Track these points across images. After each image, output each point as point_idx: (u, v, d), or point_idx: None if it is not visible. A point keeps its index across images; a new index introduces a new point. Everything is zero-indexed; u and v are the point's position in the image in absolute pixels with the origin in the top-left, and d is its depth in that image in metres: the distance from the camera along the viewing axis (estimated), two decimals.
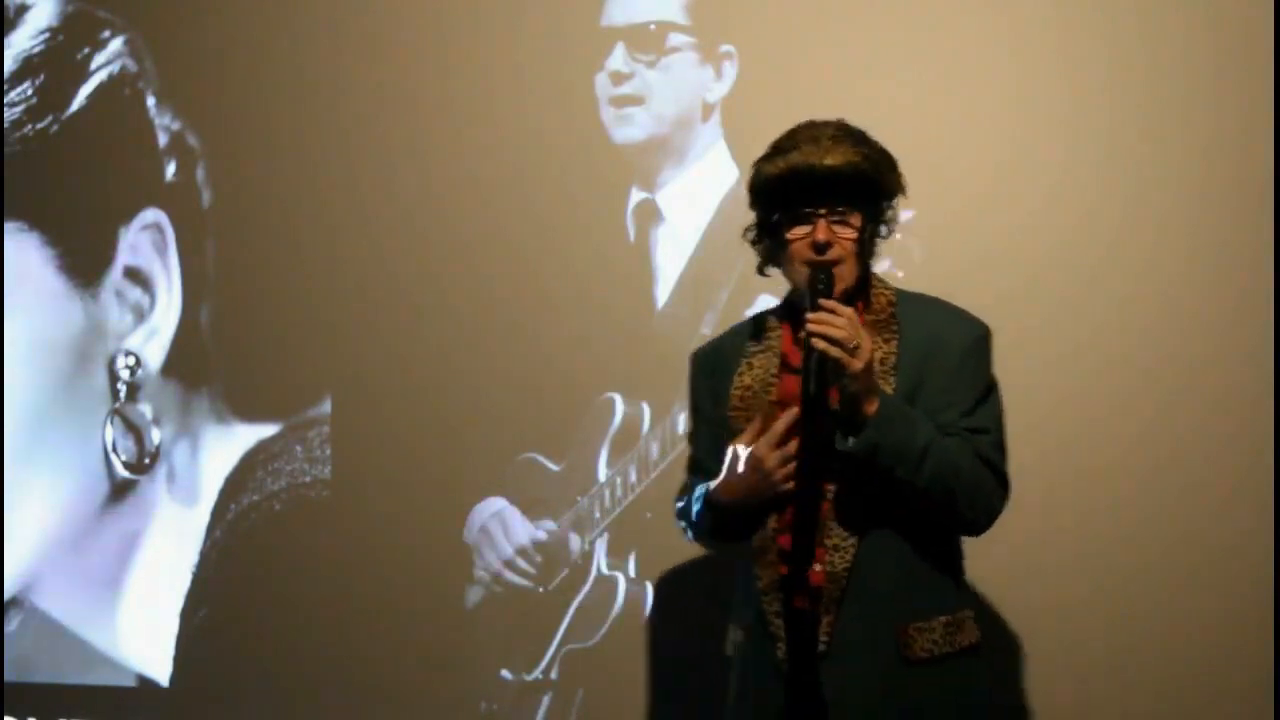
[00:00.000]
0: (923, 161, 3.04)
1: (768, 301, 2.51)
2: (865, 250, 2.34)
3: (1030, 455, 2.95)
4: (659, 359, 3.19)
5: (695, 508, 2.44)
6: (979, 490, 2.29)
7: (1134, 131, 2.97)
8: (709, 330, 3.14)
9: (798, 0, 3.17)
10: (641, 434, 3.24)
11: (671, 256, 3.24)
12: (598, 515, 3.28)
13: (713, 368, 2.48)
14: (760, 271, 2.43)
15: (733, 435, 2.36)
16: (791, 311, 2.39)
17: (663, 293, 3.26)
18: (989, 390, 2.36)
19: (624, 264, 3.28)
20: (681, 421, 3.18)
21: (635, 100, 3.28)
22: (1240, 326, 2.91)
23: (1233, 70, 2.93)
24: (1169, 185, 2.96)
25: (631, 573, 3.25)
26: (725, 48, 3.22)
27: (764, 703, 2.32)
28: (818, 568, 2.27)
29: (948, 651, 2.28)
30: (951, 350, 2.33)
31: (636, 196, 3.29)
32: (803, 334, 2.21)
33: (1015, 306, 3.00)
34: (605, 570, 3.27)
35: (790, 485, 2.28)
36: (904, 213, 3.03)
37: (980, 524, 2.33)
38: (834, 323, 2.18)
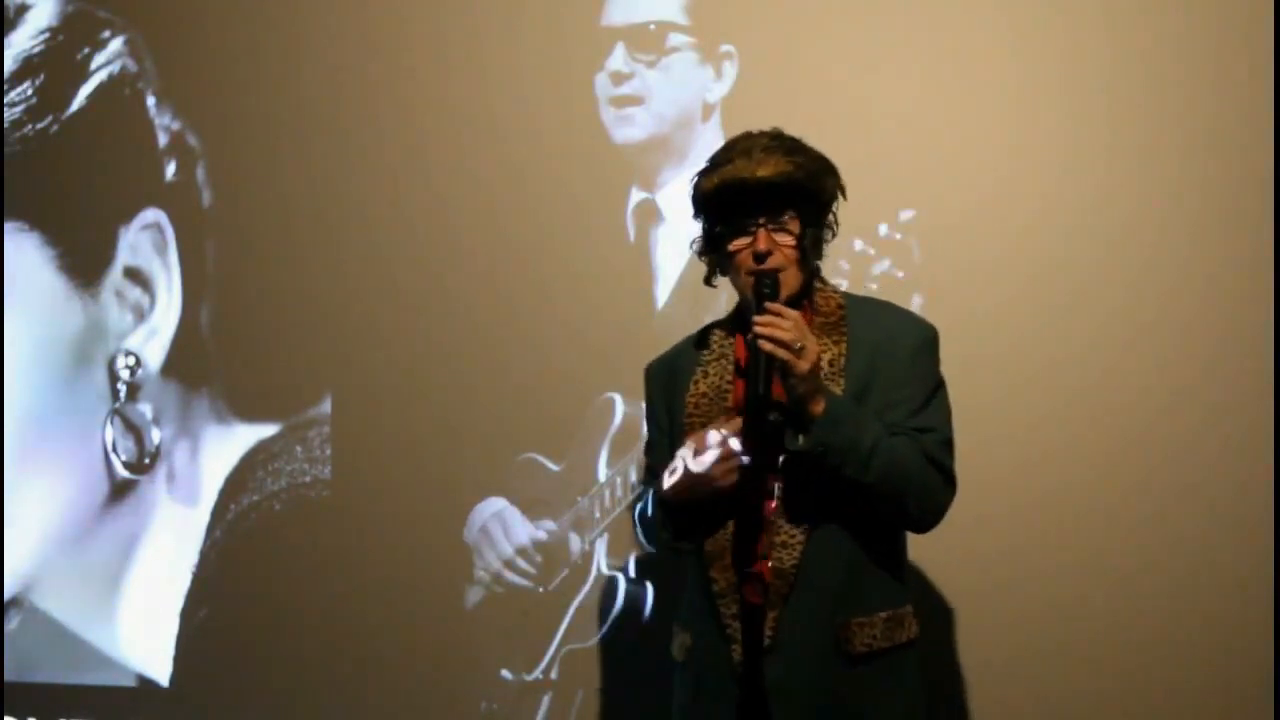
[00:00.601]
0: (923, 161, 3.06)
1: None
2: (807, 255, 2.37)
3: (1029, 454, 2.96)
4: None
5: (650, 510, 2.47)
6: (925, 488, 2.32)
7: (1134, 132, 2.98)
8: None
9: (798, 0, 3.18)
10: (641, 434, 3.23)
11: (671, 256, 3.24)
12: (598, 515, 3.28)
13: (666, 379, 2.53)
14: (707, 282, 2.48)
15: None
16: (741, 321, 2.43)
17: (663, 293, 3.26)
18: (937, 388, 2.40)
19: (624, 264, 3.28)
20: None
21: (635, 100, 3.28)
22: (1240, 327, 2.91)
23: (1233, 71, 2.93)
24: (1169, 185, 2.96)
25: (631, 573, 3.25)
26: (725, 48, 3.22)
27: (719, 701, 2.36)
28: (769, 564, 2.30)
29: (885, 646, 2.32)
30: (900, 351, 2.37)
31: (636, 196, 3.29)
32: (749, 337, 2.25)
33: (1015, 306, 3.01)
34: (605, 570, 3.27)
35: (729, 481, 2.29)
36: (903, 213, 3.05)
37: (927, 521, 2.37)
38: (779, 324, 2.23)
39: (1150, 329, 2.95)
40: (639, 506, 2.55)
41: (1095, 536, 2.96)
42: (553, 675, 3.30)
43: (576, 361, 3.28)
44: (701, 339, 2.52)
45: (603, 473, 3.27)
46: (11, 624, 3.69)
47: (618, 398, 3.26)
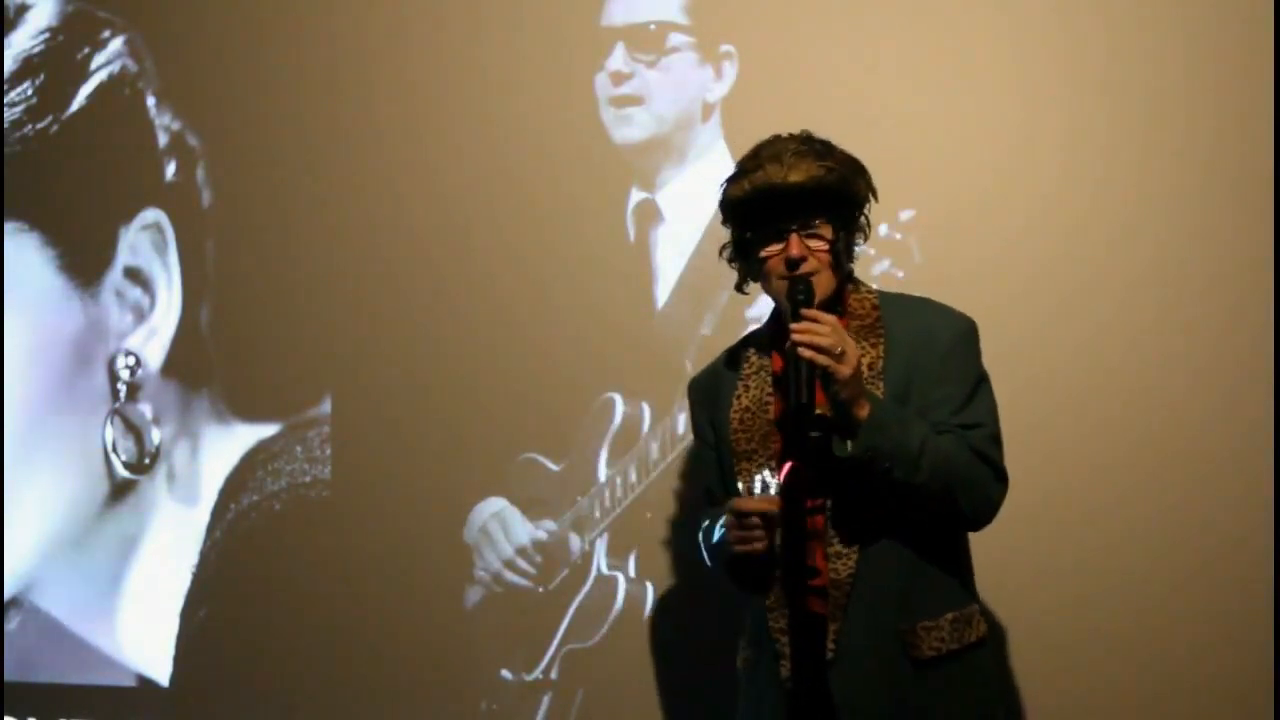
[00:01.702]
0: (923, 161, 3.06)
1: (767, 301, 2.51)
2: (840, 259, 2.35)
3: (1031, 455, 2.96)
4: (659, 359, 3.19)
5: (702, 547, 2.49)
6: (976, 484, 2.30)
7: (1134, 131, 2.97)
8: (709, 330, 3.14)
9: (798, 0, 3.17)
10: (641, 434, 3.24)
11: (671, 256, 3.24)
12: (598, 515, 3.28)
13: (709, 396, 2.51)
14: (739, 289, 2.46)
15: (736, 458, 2.39)
16: (777, 330, 2.41)
17: (663, 293, 3.26)
18: (979, 383, 2.37)
19: (624, 264, 3.28)
20: (682, 421, 3.18)
21: (635, 100, 3.28)
22: (1240, 327, 2.91)
23: (1233, 71, 2.93)
24: (1169, 184, 2.96)
25: (631, 573, 3.25)
26: (725, 48, 3.22)
27: (770, 718, 2.34)
28: (825, 576, 2.28)
29: (955, 648, 2.29)
30: (938, 347, 2.34)
31: (636, 196, 3.29)
32: (787, 345, 2.22)
33: (1015, 306, 3.00)
34: (605, 570, 3.27)
35: (751, 549, 2.27)
36: (903, 213, 3.05)
37: (981, 518, 2.35)
38: (818, 330, 2.20)
39: (1150, 329, 2.95)
40: (705, 525, 2.51)
41: (1095, 536, 2.95)
42: (553, 675, 3.30)
43: (576, 361, 3.28)
44: (744, 350, 2.49)
45: (603, 473, 3.27)
46: (11, 624, 3.69)
47: (618, 398, 3.26)
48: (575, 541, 3.30)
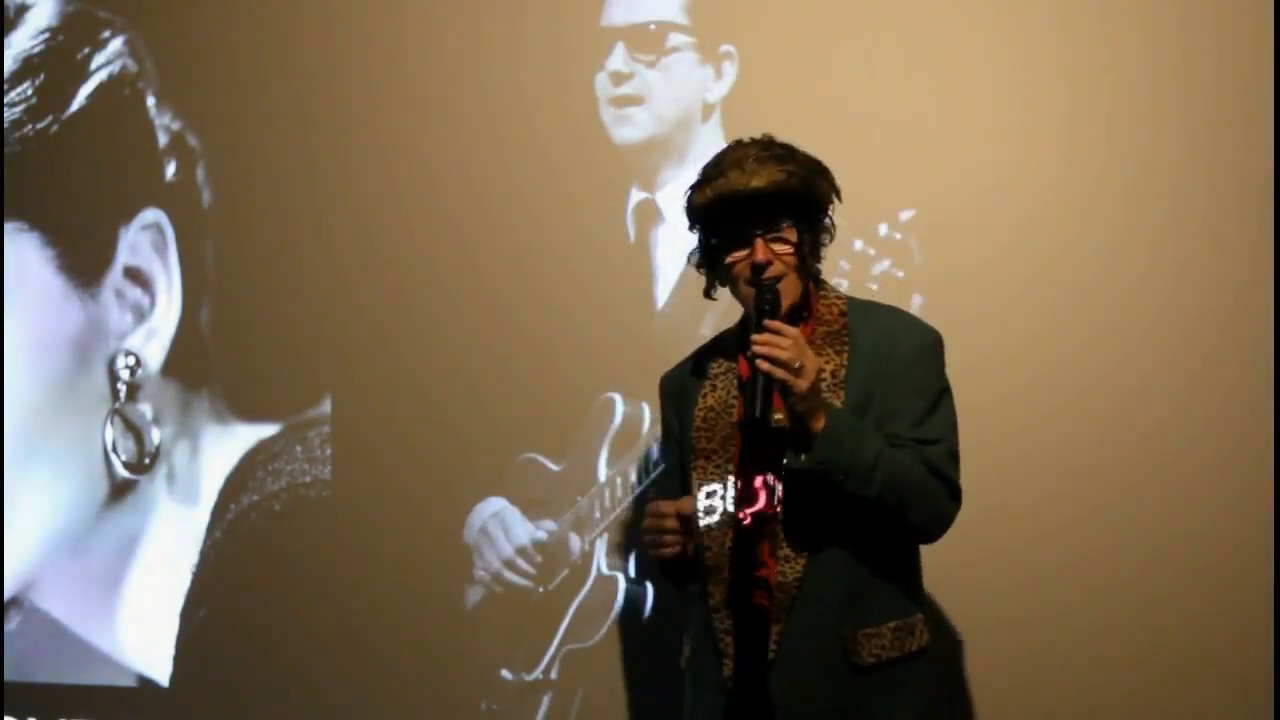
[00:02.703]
0: (923, 161, 3.06)
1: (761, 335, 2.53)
2: (806, 261, 2.37)
3: (1030, 455, 2.96)
4: (659, 359, 3.18)
5: None
6: (928, 500, 2.30)
7: (1134, 131, 2.98)
8: (709, 330, 3.14)
9: (798, 0, 3.17)
10: (641, 434, 3.24)
11: (671, 256, 3.24)
12: (598, 515, 3.28)
13: (677, 392, 2.54)
14: (707, 295, 2.48)
15: (694, 454, 2.42)
16: (746, 333, 2.41)
17: (663, 293, 3.26)
18: (940, 396, 2.37)
19: (624, 264, 3.28)
20: None
21: (635, 100, 3.28)
22: (1241, 327, 2.91)
23: (1233, 71, 2.93)
24: (1169, 185, 2.96)
25: (631, 573, 3.25)
26: (725, 48, 3.22)
27: (711, 716, 2.36)
28: (774, 577, 2.30)
29: (895, 655, 2.31)
30: (900, 358, 2.35)
31: (636, 196, 3.29)
32: (747, 355, 2.24)
33: (1015, 306, 3.01)
34: (605, 570, 3.27)
35: (663, 553, 2.36)
36: (903, 213, 3.05)
37: (932, 533, 2.36)
38: (778, 343, 2.21)
39: (1150, 329, 2.95)
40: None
41: (1096, 537, 2.95)
42: (553, 675, 3.30)
43: (576, 361, 3.28)
44: (715, 349, 2.52)
45: (603, 473, 3.27)
46: (11, 624, 3.69)
47: (618, 398, 3.26)
48: (575, 541, 3.30)
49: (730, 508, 2.36)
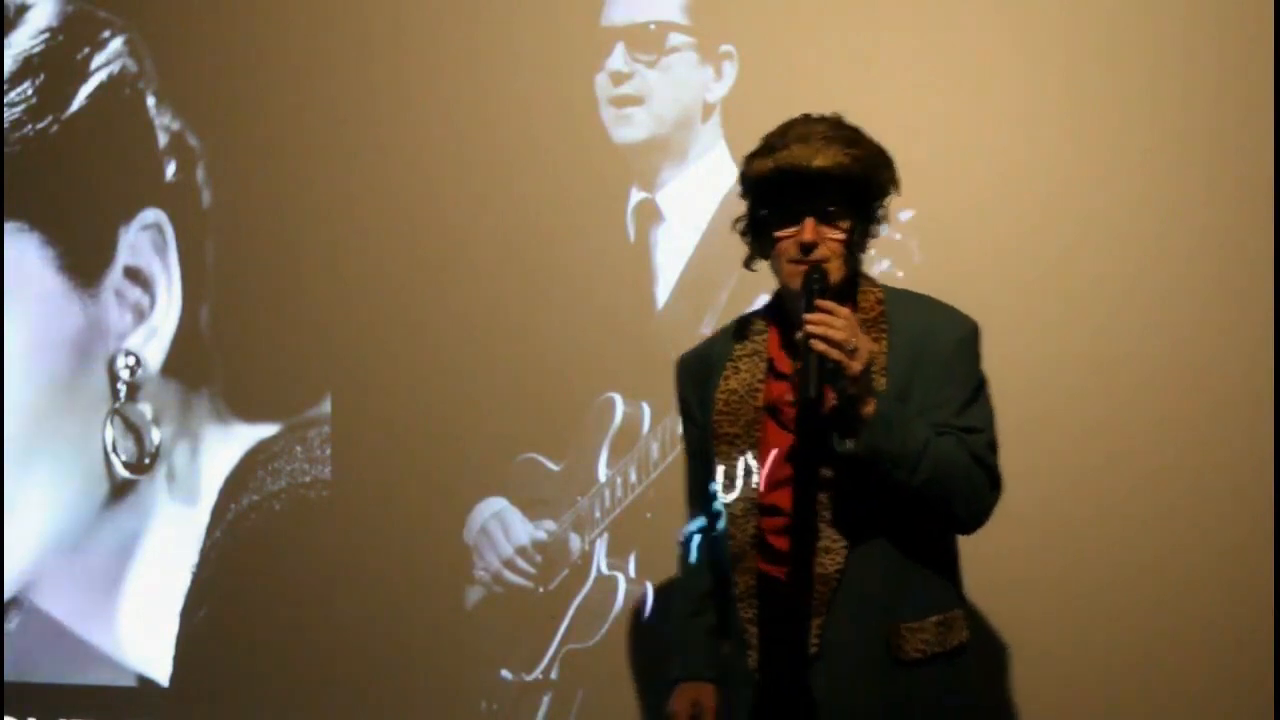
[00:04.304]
0: (923, 161, 3.05)
1: (767, 301, 2.51)
2: (853, 250, 2.31)
3: (1030, 454, 2.96)
4: (659, 359, 3.18)
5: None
6: (973, 490, 2.27)
7: (1135, 132, 2.98)
8: (709, 330, 3.14)
9: (798, 0, 3.17)
10: (641, 434, 3.24)
11: (671, 256, 3.24)
12: (598, 515, 3.28)
13: (698, 373, 2.47)
14: (747, 265, 2.41)
15: (717, 440, 2.36)
16: (778, 312, 2.39)
17: (663, 293, 3.26)
18: (979, 387, 2.34)
19: (624, 264, 3.28)
20: (682, 421, 3.17)
21: (635, 100, 3.28)
22: (1241, 327, 2.91)
23: (1233, 71, 2.93)
24: (1170, 185, 2.96)
25: (631, 573, 3.25)
26: (725, 48, 3.22)
27: (739, 710, 2.34)
28: (814, 569, 2.26)
29: (939, 651, 2.27)
30: (941, 348, 2.30)
31: (636, 196, 3.29)
32: (799, 335, 2.17)
33: (1015, 306, 3.00)
34: (605, 570, 3.27)
35: None
36: (903, 213, 3.05)
37: (973, 523, 2.32)
38: (832, 324, 2.15)
39: (1151, 329, 2.95)
40: (682, 535, 2.55)
41: (1096, 537, 2.95)
42: (553, 675, 3.30)
43: (576, 361, 3.28)
44: (738, 331, 2.44)
45: (603, 473, 3.27)
46: (11, 624, 3.69)
47: (618, 398, 3.26)
48: (575, 541, 3.30)
49: (753, 493, 2.31)
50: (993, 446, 2.33)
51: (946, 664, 2.29)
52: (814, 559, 2.26)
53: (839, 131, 2.29)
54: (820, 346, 2.14)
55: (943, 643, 2.28)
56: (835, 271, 2.28)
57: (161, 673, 3.60)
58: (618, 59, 3.28)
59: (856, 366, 2.15)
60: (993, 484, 2.31)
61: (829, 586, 2.25)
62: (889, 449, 2.19)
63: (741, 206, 2.38)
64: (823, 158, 2.23)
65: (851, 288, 2.35)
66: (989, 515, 2.33)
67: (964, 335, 2.34)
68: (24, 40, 3.74)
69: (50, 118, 3.70)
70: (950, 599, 2.33)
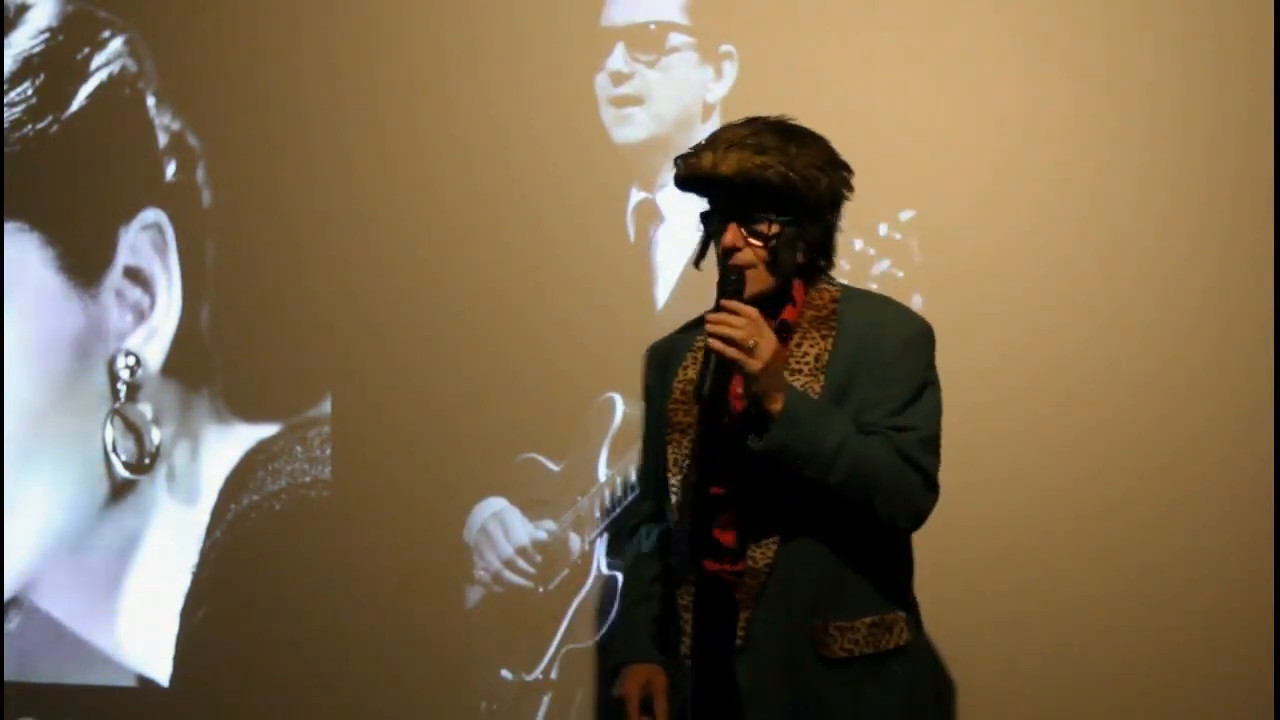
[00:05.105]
0: (923, 161, 3.07)
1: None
2: (779, 256, 2.28)
3: (1029, 454, 2.97)
4: None
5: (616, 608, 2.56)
6: (898, 490, 2.22)
7: (1135, 132, 2.98)
8: None
9: (798, 0, 3.17)
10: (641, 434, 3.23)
11: (671, 256, 3.24)
12: (598, 515, 3.28)
13: (662, 361, 2.51)
14: (695, 264, 2.43)
15: (670, 428, 2.39)
16: None
17: (663, 293, 3.26)
18: (924, 387, 2.29)
19: (624, 264, 3.28)
20: None
21: (635, 100, 3.28)
22: (1241, 328, 2.91)
23: (1234, 72, 2.93)
24: (1170, 185, 2.96)
25: None
26: (725, 48, 3.22)
27: (678, 694, 2.37)
28: (744, 562, 2.28)
29: (869, 652, 2.26)
30: (885, 347, 2.28)
31: (636, 196, 3.29)
32: (702, 335, 2.22)
33: (1015, 306, 3.01)
34: (605, 570, 3.27)
35: None
36: (904, 213, 3.05)
37: (902, 524, 2.27)
38: (732, 322, 2.17)
39: (1151, 329, 2.96)
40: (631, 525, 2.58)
41: (1095, 538, 2.96)
42: (553, 675, 3.30)
43: (576, 361, 3.28)
44: (698, 324, 2.44)
45: (603, 473, 3.27)
46: (11, 624, 3.69)
47: (618, 398, 3.26)
48: (575, 541, 3.30)
49: (695, 484, 2.33)
50: (929, 444, 2.27)
51: (878, 665, 2.27)
52: (746, 553, 2.27)
53: (757, 138, 2.26)
54: (717, 345, 2.17)
55: (874, 644, 2.26)
56: (757, 279, 2.28)
57: (161, 673, 3.60)
58: (618, 59, 3.28)
59: (754, 364, 2.16)
60: (927, 484, 2.26)
61: (758, 580, 2.25)
62: (797, 446, 2.18)
63: None
64: (726, 165, 2.24)
65: (793, 292, 2.33)
66: (923, 516, 2.28)
67: (909, 335, 2.30)
68: (24, 40, 3.74)
69: (50, 118, 3.70)
70: (888, 601, 2.30)
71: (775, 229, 2.27)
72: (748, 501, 2.29)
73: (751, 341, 2.16)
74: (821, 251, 2.35)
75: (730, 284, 2.25)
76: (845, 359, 2.28)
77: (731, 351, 2.16)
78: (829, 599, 2.26)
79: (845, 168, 2.33)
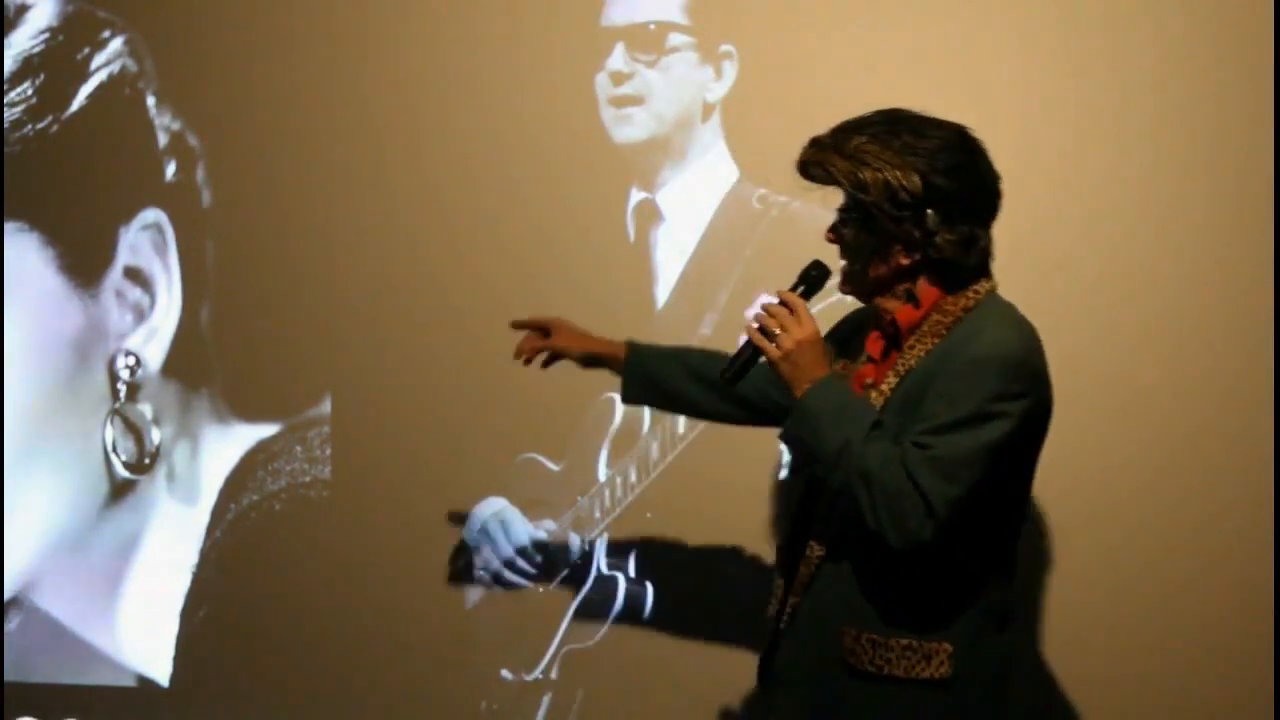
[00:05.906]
0: None
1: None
2: (852, 254, 2.27)
3: None
4: None
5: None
6: (889, 505, 2.10)
7: (1135, 133, 2.98)
8: (709, 330, 3.15)
9: (798, 0, 3.17)
10: (641, 434, 3.24)
11: (671, 256, 3.24)
12: (598, 515, 3.27)
13: (848, 334, 2.46)
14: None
15: None
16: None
17: (663, 293, 3.26)
18: (972, 417, 2.12)
19: (624, 264, 3.28)
20: (682, 422, 3.18)
21: (635, 100, 3.28)
22: (1242, 328, 2.91)
23: (1234, 72, 2.93)
24: (1170, 186, 2.96)
25: (631, 573, 3.25)
26: (725, 48, 3.22)
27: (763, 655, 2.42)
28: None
29: (898, 676, 2.18)
30: (955, 362, 2.16)
31: (636, 196, 3.28)
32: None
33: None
34: (605, 570, 3.27)
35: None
36: None
37: (891, 540, 2.11)
38: (771, 309, 2.23)
39: (1151, 330, 2.96)
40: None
41: (1096, 538, 2.96)
42: (553, 675, 3.30)
43: None
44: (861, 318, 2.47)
45: (603, 473, 3.27)
46: (11, 624, 3.69)
47: (618, 398, 3.25)
48: (575, 541, 3.30)
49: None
50: (938, 468, 2.09)
51: (909, 692, 2.18)
52: (810, 538, 2.30)
53: (847, 133, 2.26)
54: (751, 330, 2.24)
55: (907, 669, 2.18)
56: (846, 273, 2.30)
57: (161, 673, 3.60)
58: (618, 59, 3.28)
59: (774, 352, 2.21)
60: (928, 511, 2.09)
61: (810, 570, 2.27)
62: (806, 440, 2.20)
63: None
64: (804, 154, 2.28)
65: (885, 289, 2.28)
66: (913, 537, 2.10)
67: (981, 356, 2.15)
68: (24, 40, 3.73)
69: (50, 118, 3.70)
70: (936, 629, 2.19)
71: (849, 229, 2.28)
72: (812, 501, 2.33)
73: (776, 329, 2.21)
74: (926, 253, 2.24)
75: (813, 273, 2.30)
76: (925, 369, 2.20)
77: (757, 337, 2.23)
78: (867, 610, 2.21)
79: (948, 171, 2.26)
